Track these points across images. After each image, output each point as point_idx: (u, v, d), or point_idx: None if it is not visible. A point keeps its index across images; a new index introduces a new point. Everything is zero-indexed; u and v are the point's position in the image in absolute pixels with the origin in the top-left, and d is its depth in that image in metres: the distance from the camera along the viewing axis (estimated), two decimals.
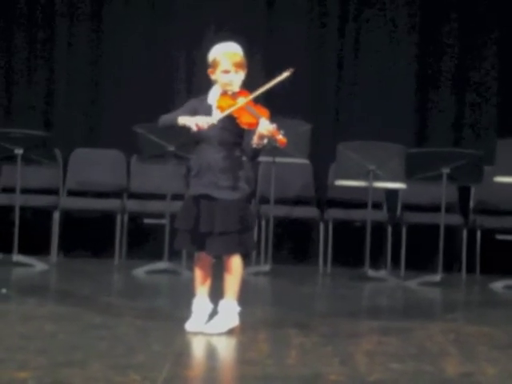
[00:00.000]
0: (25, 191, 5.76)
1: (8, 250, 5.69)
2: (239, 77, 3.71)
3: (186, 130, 3.65)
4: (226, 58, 3.68)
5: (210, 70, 3.75)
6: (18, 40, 6.43)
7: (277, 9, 6.46)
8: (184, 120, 3.65)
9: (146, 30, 6.45)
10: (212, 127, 3.62)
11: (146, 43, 6.44)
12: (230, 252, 3.70)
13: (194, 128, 3.60)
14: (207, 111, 3.70)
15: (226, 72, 3.68)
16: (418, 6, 6.49)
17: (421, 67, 6.50)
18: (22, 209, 5.71)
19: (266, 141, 3.60)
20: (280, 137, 3.54)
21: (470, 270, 6.08)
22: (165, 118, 3.77)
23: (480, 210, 6.25)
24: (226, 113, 3.62)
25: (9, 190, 5.97)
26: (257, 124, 3.58)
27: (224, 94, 3.69)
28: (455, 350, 3.59)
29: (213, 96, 3.73)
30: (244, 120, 3.62)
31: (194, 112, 3.71)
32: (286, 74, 3.63)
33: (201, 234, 3.68)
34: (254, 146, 3.62)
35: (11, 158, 5.55)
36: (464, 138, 6.49)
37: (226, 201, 3.65)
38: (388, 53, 6.48)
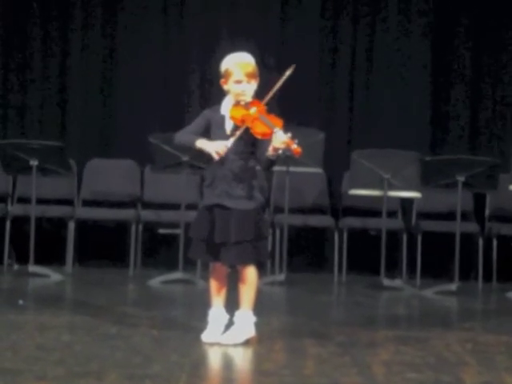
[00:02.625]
0: (40, 202, 5.78)
1: (24, 261, 5.72)
2: (252, 87, 3.71)
3: (203, 153, 3.66)
4: (239, 68, 3.69)
5: (222, 81, 3.76)
6: (32, 51, 6.47)
7: (290, 17, 6.47)
8: (203, 145, 3.67)
9: (159, 39, 6.48)
10: (224, 137, 3.64)
11: (160, 53, 6.47)
12: (245, 262, 3.69)
13: (216, 157, 3.61)
14: (220, 122, 3.71)
15: (239, 82, 3.69)
16: (432, 13, 6.47)
17: (436, 74, 6.48)
18: (38, 219, 5.73)
19: (280, 151, 3.60)
20: (295, 146, 3.54)
21: (487, 278, 6.03)
22: (181, 137, 3.77)
23: (496, 218, 6.21)
24: (239, 134, 3.62)
25: (24, 201, 6.01)
26: (271, 134, 3.59)
27: (237, 104, 3.70)
28: (473, 360, 3.57)
29: (225, 106, 3.74)
30: (258, 130, 3.63)
31: (208, 124, 3.72)
32: (289, 72, 3.64)
33: (215, 244, 3.68)
34: (269, 156, 3.62)
35: (26, 169, 5.58)
36: (479, 145, 6.46)
37: (241, 211, 3.65)
38: (402, 60, 6.47)
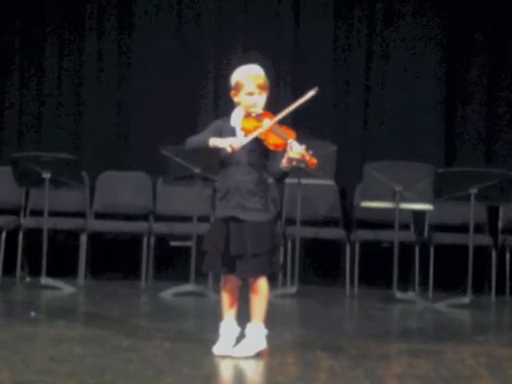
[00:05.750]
0: (52, 214, 5.79)
1: (36, 273, 5.74)
2: (262, 99, 3.73)
3: (216, 151, 3.65)
4: (250, 81, 3.70)
5: (232, 93, 3.77)
6: (48, 63, 6.52)
7: (303, 30, 6.48)
8: (216, 142, 3.65)
9: (172, 51, 6.50)
10: (240, 149, 3.63)
11: (173, 65, 6.49)
12: (261, 274, 3.69)
13: (229, 150, 3.60)
14: (231, 133, 3.71)
15: (250, 94, 3.70)
16: (447, 25, 6.44)
17: (449, 86, 6.46)
18: (50, 231, 5.75)
19: (294, 162, 3.60)
20: (310, 158, 3.53)
21: (500, 291, 5.99)
22: (193, 141, 3.77)
23: (509, 230, 6.17)
24: (255, 134, 3.62)
25: (37, 213, 6.03)
26: (284, 145, 3.59)
27: (248, 115, 3.71)
28: (487, 373, 3.54)
29: (236, 118, 3.74)
30: (271, 141, 3.63)
31: (219, 133, 3.71)
32: (311, 93, 3.63)
33: (230, 257, 3.67)
34: (283, 168, 3.62)
35: (39, 182, 5.60)
36: (494, 158, 6.42)
37: (256, 223, 3.65)
38: (415, 71, 6.44)
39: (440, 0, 6.46)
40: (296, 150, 3.53)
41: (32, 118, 6.54)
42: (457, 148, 6.46)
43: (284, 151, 3.61)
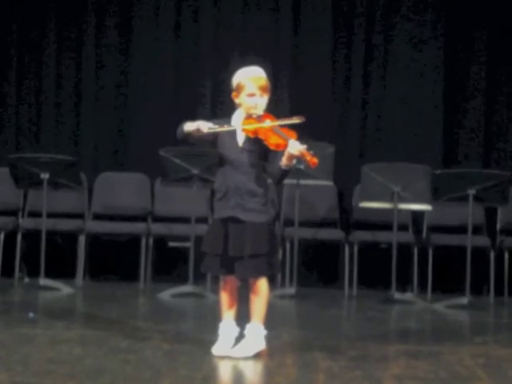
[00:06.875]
0: (51, 215, 5.79)
1: (35, 274, 5.73)
2: (264, 100, 3.73)
3: (190, 136, 3.66)
4: (251, 82, 3.70)
5: (233, 94, 3.77)
6: (47, 64, 6.52)
7: (302, 32, 6.47)
8: (188, 127, 3.65)
9: (171, 54, 6.50)
10: (237, 150, 3.63)
11: (172, 67, 6.49)
12: (260, 275, 3.69)
13: (192, 128, 3.59)
14: (231, 134, 3.71)
15: (252, 95, 3.70)
16: (445, 27, 6.43)
17: (448, 87, 6.45)
18: (49, 233, 5.74)
19: (294, 161, 3.60)
20: (311, 157, 3.53)
21: (498, 291, 6.00)
22: (180, 130, 3.75)
23: (507, 231, 6.18)
24: (244, 127, 3.63)
25: (35, 215, 6.03)
26: (285, 145, 3.59)
27: (249, 117, 3.71)
28: (485, 374, 3.54)
29: (236, 119, 3.74)
30: (272, 141, 3.63)
31: (216, 133, 3.70)
32: (296, 121, 3.63)
33: (229, 258, 3.67)
34: (283, 166, 3.62)
35: (37, 183, 5.60)
36: (492, 159, 6.41)
37: (255, 224, 3.65)
38: (414, 72, 6.44)
39: None
40: (296, 147, 3.53)
41: (30, 118, 6.54)
42: (456, 150, 6.45)
43: (284, 152, 3.61)
